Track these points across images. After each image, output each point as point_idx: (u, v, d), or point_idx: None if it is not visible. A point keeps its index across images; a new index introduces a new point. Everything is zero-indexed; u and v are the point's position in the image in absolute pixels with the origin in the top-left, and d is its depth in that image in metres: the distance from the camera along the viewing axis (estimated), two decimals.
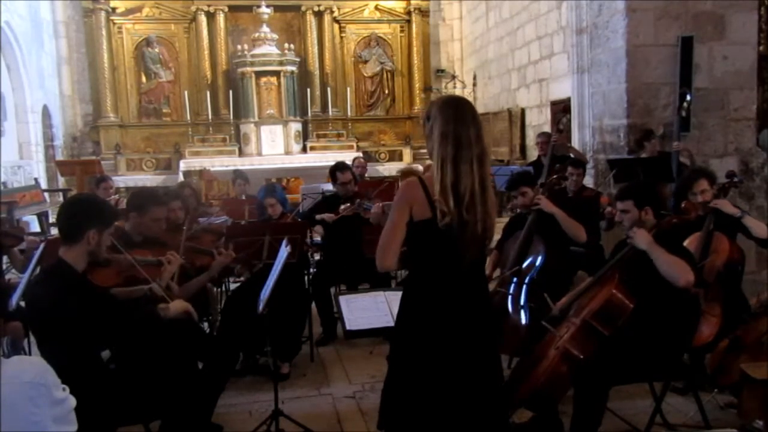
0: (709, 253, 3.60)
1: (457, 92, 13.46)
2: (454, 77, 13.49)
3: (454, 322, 2.27)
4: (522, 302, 3.66)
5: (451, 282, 2.28)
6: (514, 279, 3.72)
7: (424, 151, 2.52)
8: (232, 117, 11.78)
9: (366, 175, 8.03)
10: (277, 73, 11.77)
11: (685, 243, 3.54)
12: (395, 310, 2.52)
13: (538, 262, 3.69)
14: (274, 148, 11.65)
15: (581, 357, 2.90)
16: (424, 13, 13.09)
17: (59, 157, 11.03)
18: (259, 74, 11.70)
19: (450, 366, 2.27)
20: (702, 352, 3.53)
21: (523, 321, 3.60)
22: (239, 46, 11.90)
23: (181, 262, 3.33)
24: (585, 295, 3.12)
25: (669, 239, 3.03)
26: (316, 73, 12.45)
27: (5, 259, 4.39)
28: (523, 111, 10.41)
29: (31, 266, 3.62)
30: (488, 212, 2.26)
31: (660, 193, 4.56)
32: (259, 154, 11.61)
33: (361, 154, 10.59)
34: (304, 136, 12.11)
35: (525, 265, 3.74)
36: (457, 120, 2.22)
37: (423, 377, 2.28)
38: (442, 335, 2.27)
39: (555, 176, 4.13)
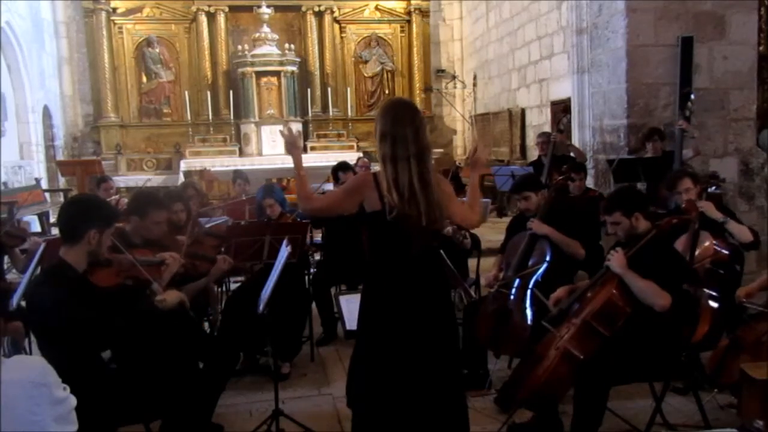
0: (695, 253, 3.63)
1: (458, 92, 13.49)
2: (454, 77, 13.50)
3: (405, 309, 2.45)
4: (526, 304, 3.65)
5: (401, 270, 2.47)
6: (518, 280, 3.71)
7: None
8: (232, 117, 11.79)
9: None
10: (277, 74, 11.77)
11: (675, 244, 3.55)
12: None
13: (544, 264, 3.66)
14: (274, 148, 11.64)
15: (581, 357, 2.90)
16: (424, 13, 13.09)
17: (60, 157, 11.04)
18: (260, 74, 11.70)
19: (401, 350, 2.44)
20: (697, 349, 3.53)
21: (528, 322, 3.59)
22: (240, 47, 11.91)
23: (182, 262, 3.33)
24: (585, 296, 3.12)
25: (661, 249, 3.03)
26: (317, 73, 12.46)
27: (6, 259, 4.39)
28: (523, 111, 10.42)
29: (32, 266, 3.62)
30: (432, 206, 2.42)
31: (659, 194, 4.57)
32: (260, 154, 11.62)
33: (362, 154, 10.60)
34: (305, 136, 12.11)
35: (529, 266, 3.72)
36: (394, 121, 2.42)
37: (379, 363, 2.47)
38: (394, 319, 2.45)
39: (561, 177, 4.07)
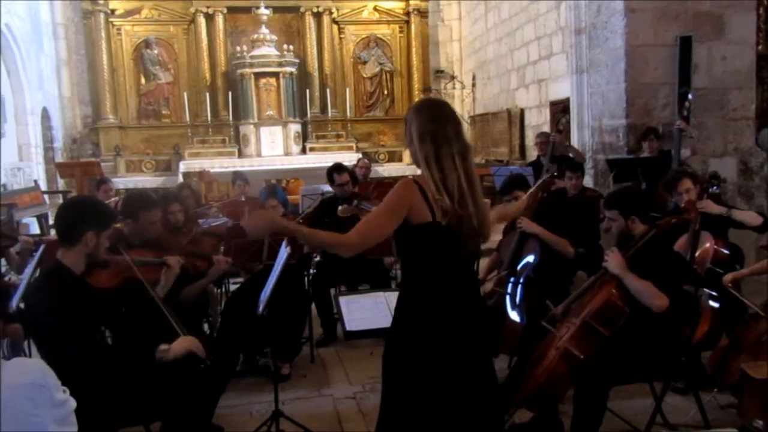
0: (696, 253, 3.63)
1: (456, 93, 13.48)
2: (453, 78, 13.49)
3: (456, 320, 2.27)
4: (518, 302, 3.66)
5: (451, 280, 2.28)
6: (511, 279, 3.73)
7: None
8: (231, 118, 11.78)
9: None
10: (276, 75, 11.76)
11: (675, 245, 3.55)
12: None
13: (531, 261, 3.69)
14: (273, 149, 11.65)
15: (581, 357, 2.90)
16: (423, 13, 13.08)
17: (59, 158, 11.02)
18: (259, 75, 11.69)
19: (455, 365, 2.26)
20: (697, 349, 3.53)
21: (519, 320, 3.60)
22: (238, 48, 11.90)
23: (183, 263, 3.33)
24: (585, 296, 3.12)
25: (660, 250, 3.03)
26: (316, 74, 12.45)
27: (3, 261, 4.39)
28: (522, 111, 10.42)
29: (31, 268, 3.62)
30: (479, 206, 2.28)
31: (659, 195, 4.57)
32: (259, 155, 11.61)
33: (361, 155, 10.60)
34: (304, 137, 12.10)
35: (521, 265, 3.74)
36: (433, 119, 2.24)
37: (427, 379, 2.25)
38: (446, 333, 2.26)
39: (549, 176, 4.10)
